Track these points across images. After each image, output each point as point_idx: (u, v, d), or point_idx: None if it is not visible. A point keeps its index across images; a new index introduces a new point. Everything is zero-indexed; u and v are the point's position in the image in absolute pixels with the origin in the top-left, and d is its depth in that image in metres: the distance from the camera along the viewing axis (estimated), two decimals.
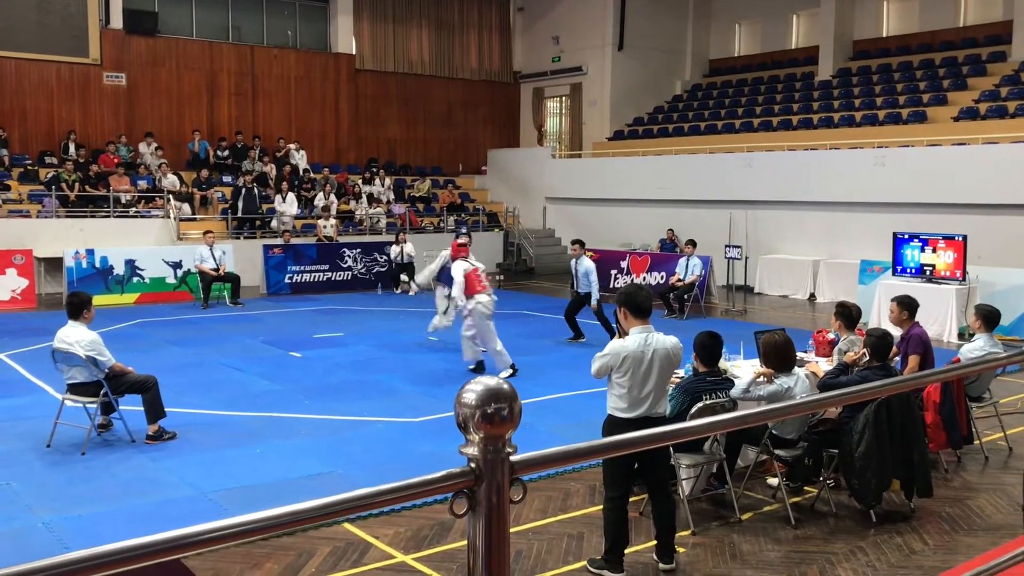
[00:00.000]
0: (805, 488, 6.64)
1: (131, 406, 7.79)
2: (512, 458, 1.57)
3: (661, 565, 5.29)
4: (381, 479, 1.55)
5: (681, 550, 5.49)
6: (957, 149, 16.77)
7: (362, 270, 19.40)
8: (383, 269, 19.29)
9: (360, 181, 23.15)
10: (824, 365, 7.25)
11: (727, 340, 6.38)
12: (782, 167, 19.11)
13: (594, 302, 12.41)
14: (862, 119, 20.32)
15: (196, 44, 22.75)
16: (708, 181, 20.24)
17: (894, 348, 6.83)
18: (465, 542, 1.63)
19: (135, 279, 17.00)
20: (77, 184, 18.91)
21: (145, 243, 18.01)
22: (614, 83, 25.46)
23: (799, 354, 6.93)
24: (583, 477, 6.76)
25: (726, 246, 16.68)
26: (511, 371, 10.26)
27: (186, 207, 19.64)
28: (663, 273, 17.60)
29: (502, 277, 21.44)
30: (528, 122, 28.03)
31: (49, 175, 19.11)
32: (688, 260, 15.90)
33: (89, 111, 21.34)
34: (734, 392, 6.01)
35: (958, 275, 13.47)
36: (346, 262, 19.27)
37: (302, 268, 18.68)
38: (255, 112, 23.63)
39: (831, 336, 7.70)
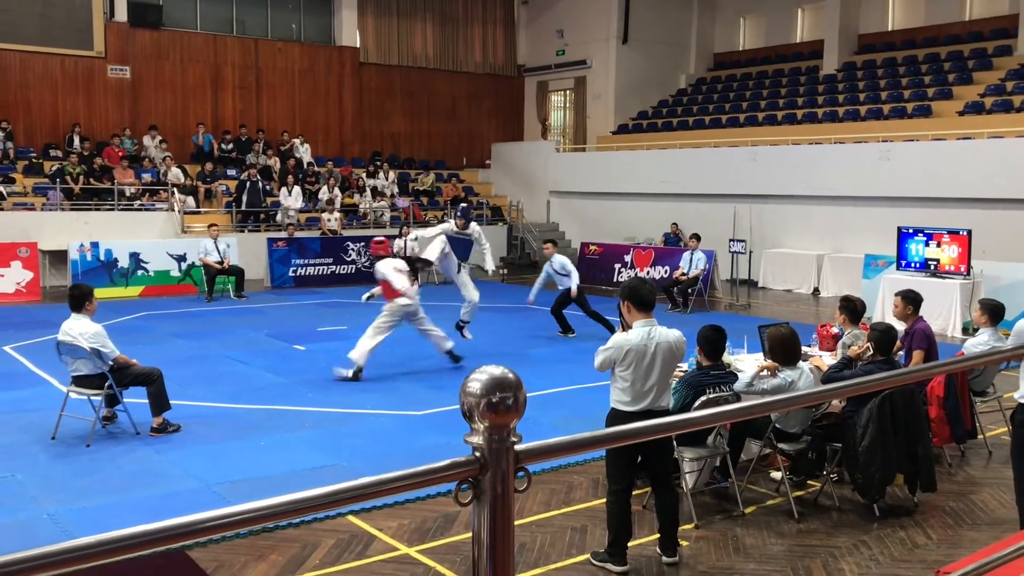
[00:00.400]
0: (808, 482, 6.64)
1: (136, 398, 7.81)
2: (517, 447, 1.57)
3: (664, 558, 5.30)
4: (385, 471, 1.55)
5: (684, 543, 5.49)
6: (962, 143, 16.72)
7: (366, 263, 19.39)
8: None
9: (364, 175, 23.15)
10: (828, 359, 7.24)
11: (731, 334, 6.38)
12: (786, 161, 19.07)
13: (574, 288, 12.40)
14: (867, 113, 20.27)
15: (200, 37, 22.74)
16: (712, 175, 20.21)
17: (898, 343, 6.82)
18: (469, 535, 1.64)
19: (139, 272, 17.03)
20: (82, 177, 18.94)
21: (149, 236, 18.04)
22: (618, 77, 25.41)
23: (803, 348, 6.92)
24: (586, 470, 6.77)
25: (730, 240, 16.66)
26: (351, 375, 9.75)
27: (190, 200, 19.66)
28: (667, 267, 17.59)
29: (506, 271, 21.45)
30: (532, 116, 27.99)
31: (54, 168, 19.14)
32: (692, 254, 15.89)
33: (93, 104, 21.35)
34: (738, 386, 6.01)
35: (962, 270, 13.45)
36: (350, 255, 19.29)
37: (306, 261, 18.70)
38: (259, 105, 23.63)
39: (835, 330, 7.69)
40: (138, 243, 17.27)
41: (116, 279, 16.76)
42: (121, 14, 21.40)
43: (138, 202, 19.16)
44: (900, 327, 7.27)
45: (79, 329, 7.43)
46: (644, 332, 5.14)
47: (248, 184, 19.88)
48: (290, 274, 18.45)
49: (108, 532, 1.32)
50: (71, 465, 6.92)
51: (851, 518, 6.04)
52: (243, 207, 19.74)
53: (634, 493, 5.41)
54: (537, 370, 10.22)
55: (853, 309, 7.32)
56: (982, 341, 7.30)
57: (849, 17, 23.12)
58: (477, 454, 1.56)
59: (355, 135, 25.21)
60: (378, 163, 23.90)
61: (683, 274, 15.82)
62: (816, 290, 18.07)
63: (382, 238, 10.83)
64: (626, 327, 5.30)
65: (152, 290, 16.97)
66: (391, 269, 9.92)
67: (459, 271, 11.43)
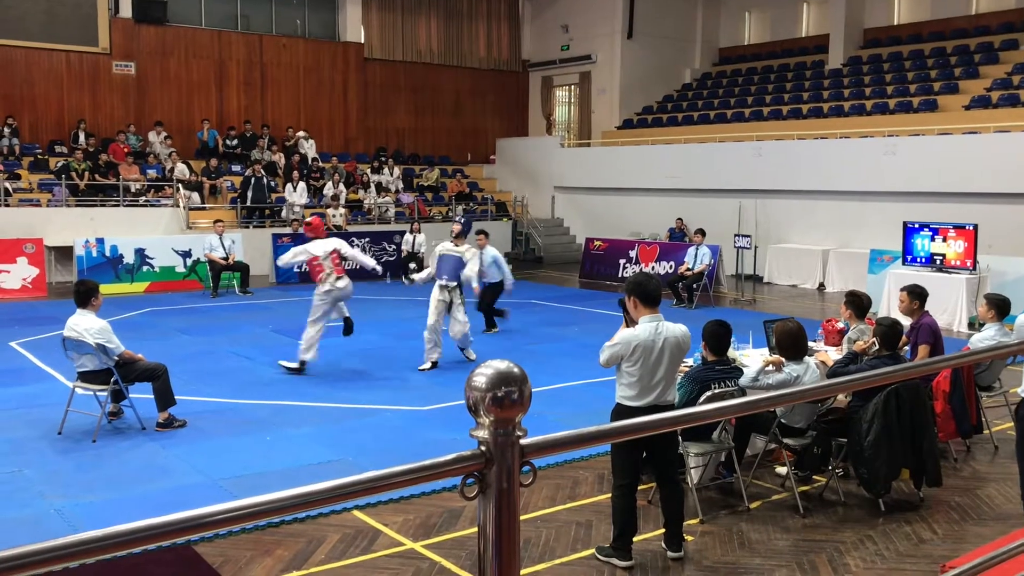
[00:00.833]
0: (814, 477, 6.64)
1: (141, 394, 7.83)
2: (522, 442, 1.57)
3: (669, 553, 5.30)
4: (390, 466, 1.56)
5: (689, 538, 5.50)
6: (968, 138, 16.67)
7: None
8: (392, 258, 19.30)
9: (369, 170, 23.16)
10: (833, 354, 7.23)
11: (736, 329, 6.37)
12: (792, 156, 19.04)
13: (509, 284, 12.03)
14: (873, 108, 20.21)
15: (205, 33, 22.75)
16: (717, 170, 20.18)
17: (904, 337, 6.81)
18: (475, 529, 1.64)
19: (145, 268, 17.06)
20: (87, 173, 18.98)
21: (155, 232, 18.07)
22: (623, 71, 25.37)
23: (808, 343, 6.92)
24: (591, 465, 6.77)
25: (735, 235, 16.63)
26: (295, 367, 9.74)
27: (195, 196, 19.69)
28: (672, 262, 17.57)
29: (510, 267, 21.43)
30: (537, 111, 27.97)
31: (59, 164, 19.18)
32: (697, 249, 15.88)
33: (99, 100, 21.38)
34: (743, 381, 6.00)
35: (969, 264, 13.41)
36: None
37: None
38: (264, 101, 23.64)
39: (841, 325, 7.68)
40: (143, 239, 17.30)
41: (121, 275, 16.80)
42: (126, 10, 21.41)
43: (143, 198, 19.19)
44: (906, 322, 7.26)
45: (85, 325, 7.45)
46: (651, 327, 5.14)
47: (253, 180, 19.90)
48: (295, 270, 18.45)
49: (115, 526, 1.32)
50: (77, 460, 6.94)
51: (856, 513, 6.04)
52: (248, 203, 19.76)
53: (639, 488, 5.41)
54: (542, 365, 10.22)
55: (859, 304, 7.31)
56: (988, 336, 7.29)
57: (855, 11, 23.05)
58: (482, 448, 1.56)
59: (359, 131, 25.21)
60: (383, 159, 23.90)
61: (688, 269, 15.81)
62: (821, 285, 18.04)
63: (310, 219, 10.46)
64: (630, 323, 5.30)
65: (157, 286, 17.01)
66: (303, 250, 9.78)
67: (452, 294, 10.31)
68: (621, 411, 5.18)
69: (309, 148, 23.05)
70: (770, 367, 6.11)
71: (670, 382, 5.24)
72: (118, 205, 18.61)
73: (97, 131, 20.89)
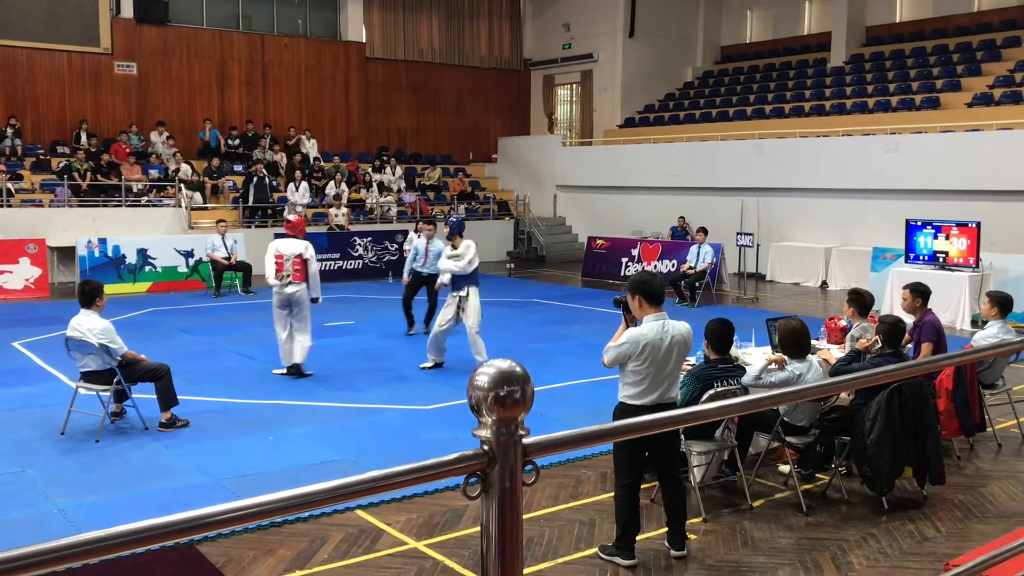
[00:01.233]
0: (817, 475, 6.64)
1: (144, 394, 7.84)
2: (525, 440, 1.57)
3: (672, 552, 5.30)
4: (393, 465, 1.56)
5: (692, 537, 5.49)
6: (971, 135, 16.64)
7: (373, 259, 19.44)
8: (394, 258, 19.31)
9: (371, 170, 23.16)
10: (836, 352, 7.22)
11: (739, 327, 6.36)
12: (794, 154, 19.02)
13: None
14: (875, 105, 20.19)
15: (206, 33, 22.76)
16: (720, 168, 20.17)
17: (907, 335, 6.80)
18: (477, 528, 1.64)
19: (147, 268, 17.08)
20: (89, 173, 18.99)
21: (157, 232, 18.09)
22: (625, 70, 25.36)
23: (811, 341, 6.91)
24: (594, 464, 6.77)
25: (738, 233, 16.61)
26: (283, 372, 9.73)
27: (197, 196, 19.70)
28: (674, 261, 17.56)
29: (512, 266, 21.44)
30: (539, 110, 27.96)
31: (61, 164, 19.20)
32: (699, 248, 15.87)
33: (100, 100, 21.40)
34: (746, 379, 6.00)
35: (971, 262, 13.40)
36: (357, 251, 19.31)
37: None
38: (266, 101, 23.66)
39: (843, 323, 7.67)
40: (146, 239, 17.31)
41: (124, 275, 16.81)
42: (127, 10, 21.43)
43: (145, 198, 19.20)
44: (909, 320, 7.25)
45: (88, 325, 7.46)
46: (658, 326, 5.14)
47: (255, 180, 19.91)
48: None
49: (118, 526, 1.32)
50: (80, 460, 6.95)
51: (860, 511, 6.03)
52: (250, 203, 19.78)
53: (642, 487, 5.41)
54: (545, 364, 10.22)
55: (862, 302, 7.30)
56: (991, 334, 7.28)
57: (857, 9, 23.03)
58: (485, 448, 1.56)
59: (361, 130, 25.22)
60: (384, 158, 23.90)
61: (690, 268, 15.80)
62: (824, 283, 18.03)
63: (291, 217, 10.21)
64: (631, 322, 5.29)
65: (160, 286, 17.02)
66: (272, 248, 9.64)
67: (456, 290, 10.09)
68: (624, 410, 5.18)
69: (311, 148, 23.06)
70: (773, 365, 6.10)
71: (674, 380, 5.24)
72: (120, 205, 18.63)
73: (99, 131, 20.91)
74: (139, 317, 13.72)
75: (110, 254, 16.77)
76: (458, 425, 7.49)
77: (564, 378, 9.57)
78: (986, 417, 7.30)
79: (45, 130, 20.87)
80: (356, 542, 5.44)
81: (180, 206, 18.95)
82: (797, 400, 5.31)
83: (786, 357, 6.15)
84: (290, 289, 9.51)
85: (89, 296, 7.62)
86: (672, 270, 17.20)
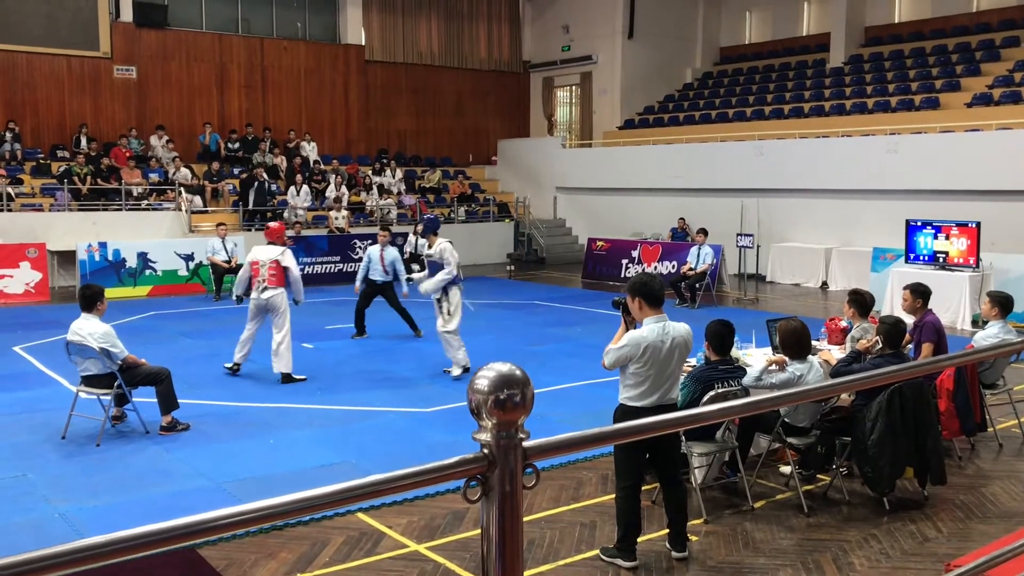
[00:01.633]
0: (818, 476, 6.63)
1: (145, 398, 7.84)
2: (525, 444, 1.58)
3: (674, 553, 5.30)
4: (394, 468, 1.56)
5: (694, 538, 5.49)
6: (970, 135, 16.65)
7: None
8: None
9: (370, 172, 23.17)
10: (837, 353, 7.22)
11: (739, 328, 6.36)
12: (794, 155, 19.03)
13: (405, 289, 11.89)
14: (874, 106, 20.20)
15: (206, 37, 22.77)
16: (719, 169, 20.17)
17: (907, 336, 6.80)
18: (478, 531, 1.64)
19: (148, 272, 17.08)
20: (89, 177, 18.99)
21: (157, 236, 18.10)
22: (624, 71, 25.37)
23: (812, 342, 6.90)
24: (595, 466, 6.77)
25: (738, 234, 16.62)
26: (231, 369, 9.87)
27: (197, 200, 19.71)
28: (675, 262, 17.56)
29: (512, 268, 21.45)
30: (538, 112, 27.97)
31: (61, 169, 19.21)
32: (699, 249, 15.87)
33: (100, 104, 21.41)
34: (746, 380, 5.99)
35: (971, 262, 13.40)
36: (357, 253, 19.29)
37: (314, 260, 18.73)
38: (265, 104, 23.66)
39: (844, 324, 7.67)
40: (146, 243, 17.32)
41: (124, 279, 16.82)
42: (127, 14, 21.45)
43: (145, 202, 19.21)
44: (909, 320, 7.25)
45: (88, 329, 7.46)
46: (659, 328, 5.13)
47: (255, 183, 19.91)
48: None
49: (119, 531, 1.32)
50: (81, 464, 6.95)
51: (861, 512, 6.03)
52: (250, 206, 19.78)
53: (643, 489, 5.41)
54: (544, 366, 10.21)
55: (862, 302, 7.30)
56: (992, 334, 7.28)
57: (855, 9, 23.03)
58: (485, 451, 1.56)
59: (361, 133, 25.23)
60: (384, 160, 23.91)
61: (691, 269, 15.80)
62: (824, 284, 18.03)
63: (271, 224, 10.28)
64: (629, 324, 5.29)
65: (160, 289, 17.03)
66: (251, 256, 9.78)
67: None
68: (624, 412, 5.18)
69: (311, 151, 23.07)
70: (773, 366, 6.10)
71: (675, 382, 5.24)
72: (120, 209, 18.63)
73: (99, 135, 20.91)
74: (140, 321, 13.72)
75: (110, 258, 16.78)
76: (458, 428, 7.48)
77: (564, 380, 9.57)
78: (987, 417, 7.30)
79: (45, 134, 20.88)
80: (357, 545, 5.44)
81: (180, 210, 18.96)
82: (798, 401, 5.31)
83: (787, 358, 6.14)
84: (267, 294, 9.61)
85: (90, 300, 7.62)
86: (672, 271, 17.20)
